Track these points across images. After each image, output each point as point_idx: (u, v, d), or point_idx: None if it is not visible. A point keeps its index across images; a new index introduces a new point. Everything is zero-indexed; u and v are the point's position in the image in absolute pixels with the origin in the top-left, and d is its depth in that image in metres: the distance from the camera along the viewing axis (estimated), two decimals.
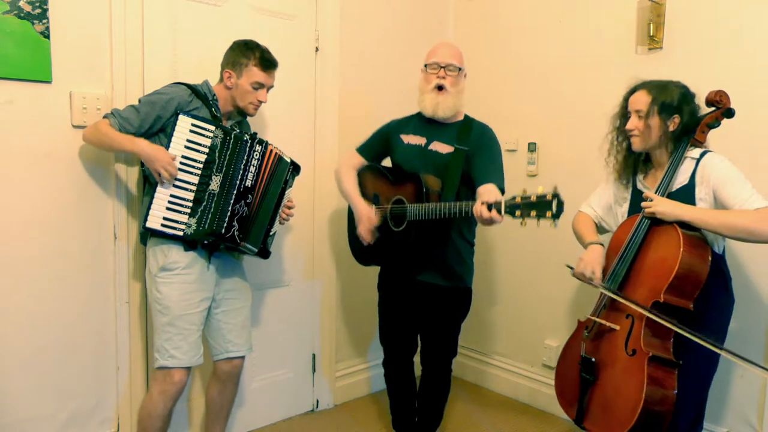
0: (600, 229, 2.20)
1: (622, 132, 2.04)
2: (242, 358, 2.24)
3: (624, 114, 2.03)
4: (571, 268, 2.06)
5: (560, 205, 1.67)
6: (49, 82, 2.06)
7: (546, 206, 1.69)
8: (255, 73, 2.07)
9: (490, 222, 1.81)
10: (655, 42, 2.48)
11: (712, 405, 2.38)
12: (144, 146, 1.93)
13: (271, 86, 2.15)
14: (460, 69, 2.22)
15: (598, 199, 2.19)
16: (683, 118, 1.91)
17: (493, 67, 3.17)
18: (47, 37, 2.03)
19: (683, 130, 1.92)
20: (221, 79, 2.12)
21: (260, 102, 2.13)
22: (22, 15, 1.97)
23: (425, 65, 2.25)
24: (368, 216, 2.23)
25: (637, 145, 1.97)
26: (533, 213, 1.71)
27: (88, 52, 2.14)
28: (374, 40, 3.01)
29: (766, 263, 2.25)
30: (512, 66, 3.08)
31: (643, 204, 1.89)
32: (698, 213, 1.81)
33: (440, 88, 2.19)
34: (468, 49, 3.26)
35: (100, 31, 2.15)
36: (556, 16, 2.87)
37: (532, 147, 2.99)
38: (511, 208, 1.75)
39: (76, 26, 2.10)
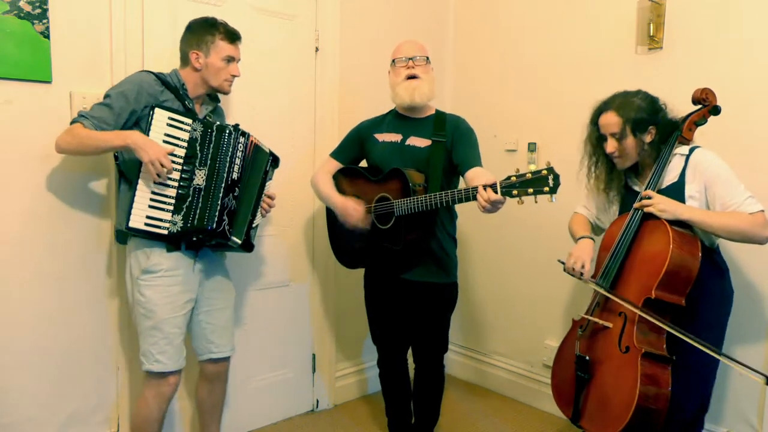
0: (597, 229, 2.21)
1: (596, 155, 2.04)
2: (226, 359, 2.22)
3: (597, 137, 2.02)
4: (563, 263, 2.06)
5: (556, 178, 1.68)
6: (49, 82, 2.06)
7: (542, 182, 1.69)
8: (223, 47, 2.03)
9: (496, 204, 1.79)
10: (655, 42, 2.48)
11: (713, 405, 2.38)
12: (137, 138, 1.85)
13: (239, 59, 2.10)
14: (427, 59, 2.23)
15: (588, 199, 2.21)
16: (659, 126, 1.92)
17: (493, 67, 3.17)
18: (47, 37, 2.03)
19: (662, 136, 1.93)
20: (186, 63, 2.05)
21: (233, 77, 2.08)
22: (22, 15, 1.97)
23: (392, 61, 2.25)
24: (352, 206, 2.21)
25: (620, 165, 1.99)
26: (530, 190, 1.71)
27: (88, 52, 2.14)
28: (374, 40, 3.01)
29: (766, 262, 2.25)
30: (512, 66, 3.08)
31: (644, 202, 1.88)
32: (698, 214, 1.82)
33: (413, 77, 2.19)
34: (468, 49, 3.28)
35: (100, 31, 2.15)
36: (556, 16, 2.87)
37: (532, 147, 2.99)
38: (508, 188, 1.75)
39: (76, 26, 2.10)
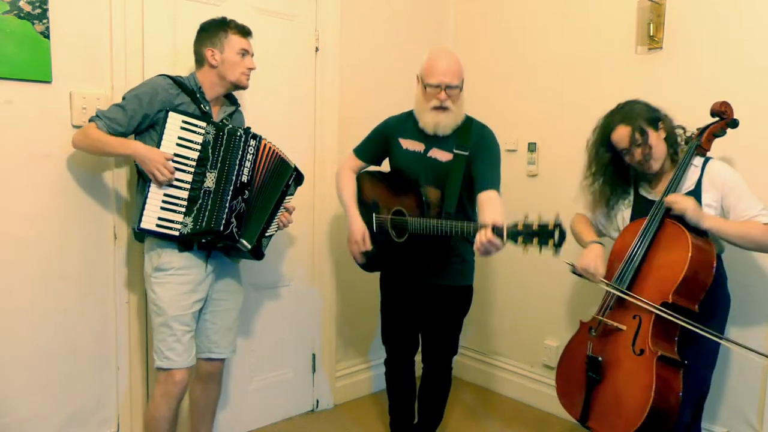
0: (598, 232, 2.22)
1: (602, 174, 2.06)
2: (223, 360, 2.23)
3: (610, 157, 2.04)
4: (571, 265, 2.08)
5: (562, 235, 1.70)
6: (49, 82, 2.06)
7: (548, 235, 1.71)
8: (237, 41, 2.06)
9: (489, 250, 1.80)
10: (655, 42, 2.48)
11: (712, 405, 2.38)
12: (138, 148, 1.91)
13: (253, 54, 2.13)
14: (461, 85, 2.14)
15: (589, 208, 2.23)
16: (665, 122, 1.97)
17: (493, 67, 3.17)
18: (47, 37, 2.03)
19: (671, 133, 1.98)
20: (202, 63, 2.08)
21: (250, 70, 2.11)
22: (22, 15, 1.97)
23: (425, 84, 2.12)
24: (362, 235, 2.24)
25: (653, 167, 1.98)
26: (535, 241, 1.72)
27: (88, 52, 2.14)
28: (374, 40, 3.01)
29: (766, 264, 2.25)
30: (512, 66, 3.08)
31: (669, 198, 1.89)
32: (718, 223, 1.86)
33: (442, 108, 2.13)
34: (468, 49, 3.27)
35: (100, 31, 2.15)
36: (556, 16, 2.87)
37: (532, 147, 2.99)
38: (514, 235, 1.76)
39: (76, 26, 2.10)
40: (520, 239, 1.74)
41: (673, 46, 2.45)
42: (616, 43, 2.62)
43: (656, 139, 1.95)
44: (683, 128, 2.06)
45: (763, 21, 2.21)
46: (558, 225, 1.70)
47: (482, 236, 1.79)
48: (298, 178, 2.25)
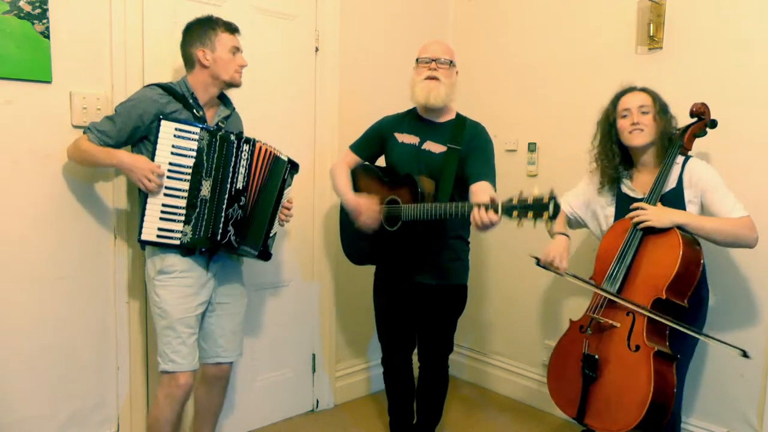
0: (574, 223, 2.27)
1: (612, 136, 2.10)
2: (230, 363, 2.23)
3: (614, 117, 2.09)
4: (536, 258, 2.11)
5: (557, 207, 1.70)
6: (49, 82, 2.06)
7: (543, 208, 1.71)
8: (227, 39, 2.04)
9: (487, 225, 1.81)
10: (655, 42, 2.48)
11: (713, 405, 2.39)
12: (123, 157, 1.90)
13: (242, 51, 2.11)
14: (451, 62, 2.22)
15: (575, 196, 2.26)
16: (670, 121, 2.05)
17: (493, 67, 3.17)
18: (47, 37, 2.03)
19: (666, 132, 2.03)
20: (193, 65, 2.05)
21: (242, 67, 2.09)
22: (22, 15, 1.97)
23: (416, 60, 2.25)
24: (366, 205, 2.20)
25: (640, 140, 2.02)
26: (530, 214, 1.73)
27: (88, 52, 2.14)
28: (374, 40, 3.01)
29: (766, 264, 2.25)
30: (512, 66, 3.08)
31: (633, 214, 1.95)
32: (692, 218, 1.92)
33: (432, 78, 2.18)
34: (468, 49, 3.27)
35: (100, 31, 2.15)
36: (556, 16, 2.87)
37: (532, 147, 2.99)
38: (508, 210, 1.77)
39: (76, 26, 2.10)
40: (515, 213, 1.75)
41: (673, 46, 2.45)
42: (616, 43, 2.62)
43: (655, 119, 2.01)
44: (675, 126, 2.09)
45: (763, 21, 2.21)
46: (553, 198, 1.71)
47: (476, 215, 1.81)
48: (294, 168, 2.23)
